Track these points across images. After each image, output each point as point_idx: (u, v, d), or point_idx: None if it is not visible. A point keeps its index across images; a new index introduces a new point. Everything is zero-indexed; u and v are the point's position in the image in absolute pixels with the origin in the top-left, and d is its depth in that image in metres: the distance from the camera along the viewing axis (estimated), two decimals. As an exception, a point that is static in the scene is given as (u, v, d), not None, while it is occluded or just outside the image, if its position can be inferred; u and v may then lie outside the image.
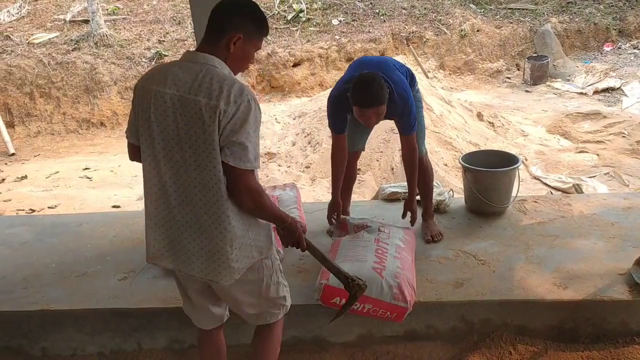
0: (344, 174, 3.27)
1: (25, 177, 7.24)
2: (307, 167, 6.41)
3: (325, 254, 2.39)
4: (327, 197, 5.61)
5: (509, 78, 10.16)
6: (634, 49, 10.36)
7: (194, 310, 2.32)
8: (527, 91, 9.49)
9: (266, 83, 9.92)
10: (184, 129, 1.89)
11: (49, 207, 6.11)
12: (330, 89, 3.27)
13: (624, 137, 6.87)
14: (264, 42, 2.12)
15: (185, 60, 1.97)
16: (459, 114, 7.22)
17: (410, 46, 10.33)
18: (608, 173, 5.97)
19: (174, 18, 10.89)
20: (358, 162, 3.70)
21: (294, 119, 7.72)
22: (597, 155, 6.50)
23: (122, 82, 9.48)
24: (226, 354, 2.44)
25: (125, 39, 10.20)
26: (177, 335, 2.90)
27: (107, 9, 11.12)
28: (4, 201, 6.40)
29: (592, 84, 9.16)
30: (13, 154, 8.19)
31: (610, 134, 7.00)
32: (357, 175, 5.75)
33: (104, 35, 9.98)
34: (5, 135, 8.33)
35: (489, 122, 7.42)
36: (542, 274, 2.94)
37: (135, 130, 2.05)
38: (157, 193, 2.03)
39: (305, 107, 7.96)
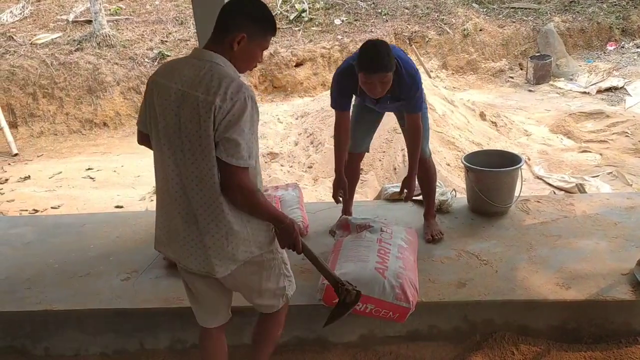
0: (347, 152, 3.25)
1: (29, 177, 7.26)
2: (310, 167, 6.40)
3: (319, 258, 2.36)
4: (330, 197, 5.61)
5: (511, 77, 10.14)
6: (638, 48, 10.33)
7: (197, 307, 2.34)
8: (530, 91, 9.47)
9: (269, 83, 9.92)
10: (184, 122, 1.94)
11: (52, 208, 6.12)
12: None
13: (627, 136, 6.85)
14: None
15: (192, 57, 2.02)
16: (461, 114, 7.21)
17: (413, 46, 10.32)
18: (611, 173, 5.95)
19: (177, 18, 10.90)
20: (362, 162, 3.70)
21: (297, 119, 7.72)
22: (600, 154, 6.48)
23: (125, 82, 9.49)
24: (227, 354, 2.45)
25: (128, 39, 10.21)
26: (179, 336, 2.90)
27: (110, 10, 11.13)
28: (7, 201, 6.42)
29: (595, 83, 9.14)
30: (16, 155, 8.20)
31: (613, 134, 6.97)
32: (360, 175, 5.76)
33: (106, 36, 9.99)
34: (8, 136, 8.34)
35: (492, 122, 7.41)
36: (545, 274, 2.93)
37: (144, 119, 2.13)
38: (161, 182, 2.10)
39: (308, 107, 7.95)
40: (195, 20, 3.41)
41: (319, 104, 7.64)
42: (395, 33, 10.40)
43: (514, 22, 10.84)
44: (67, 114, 9.23)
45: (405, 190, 3.22)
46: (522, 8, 11.18)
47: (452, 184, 5.29)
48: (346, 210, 3.57)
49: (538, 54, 10.00)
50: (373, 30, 10.33)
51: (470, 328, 2.80)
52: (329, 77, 9.77)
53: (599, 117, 7.51)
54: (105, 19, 10.27)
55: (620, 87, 8.88)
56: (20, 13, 11.14)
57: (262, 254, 2.15)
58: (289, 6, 11.13)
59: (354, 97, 3.20)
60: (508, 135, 7.17)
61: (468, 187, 3.69)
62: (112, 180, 6.96)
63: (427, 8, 11.05)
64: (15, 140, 8.48)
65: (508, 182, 3.56)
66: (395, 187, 4.04)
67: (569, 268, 2.97)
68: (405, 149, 5.65)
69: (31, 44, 10.02)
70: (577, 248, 3.16)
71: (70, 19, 10.79)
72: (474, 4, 11.27)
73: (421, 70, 9.36)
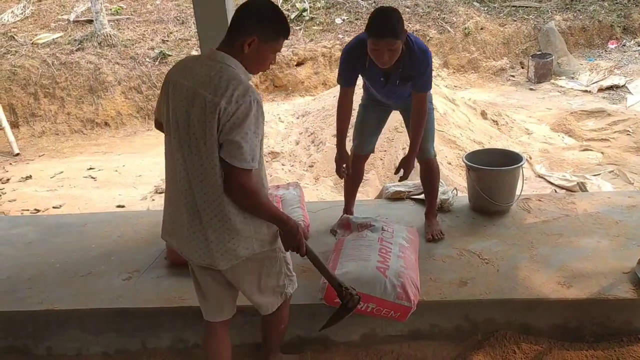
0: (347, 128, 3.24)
1: (30, 177, 7.26)
2: (311, 166, 6.40)
3: (322, 261, 2.37)
4: (331, 196, 5.63)
5: (512, 76, 10.13)
6: (639, 46, 10.31)
7: (203, 301, 2.37)
8: (531, 89, 9.46)
9: (270, 82, 9.92)
10: (193, 120, 1.98)
11: (53, 207, 6.12)
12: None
13: (628, 135, 6.84)
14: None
15: (205, 56, 2.06)
16: (462, 113, 7.20)
17: (414, 44, 10.31)
18: (612, 171, 5.94)
19: (178, 18, 10.90)
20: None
21: (298, 118, 7.72)
22: (602, 153, 6.47)
23: (126, 82, 9.49)
24: (230, 350, 2.46)
25: (129, 39, 10.21)
26: (181, 335, 2.90)
27: (111, 9, 11.14)
28: (9, 201, 6.42)
29: (596, 82, 9.12)
30: (18, 154, 8.21)
31: (614, 132, 6.96)
32: (363, 175, 5.76)
33: (107, 35, 9.99)
34: (9, 136, 8.35)
35: (493, 121, 7.40)
36: (547, 272, 2.93)
37: (160, 109, 2.18)
38: (170, 173, 2.15)
39: (309, 106, 7.95)
40: (196, 20, 3.41)
41: (320, 103, 7.64)
42: (396, 32, 10.38)
43: (515, 20, 10.83)
44: (69, 114, 9.24)
45: (402, 171, 3.17)
46: (523, 6, 11.16)
47: (454, 182, 5.28)
48: (348, 210, 3.57)
49: (539, 53, 9.99)
50: (374, 29, 10.30)
51: (472, 327, 2.80)
52: (330, 76, 9.78)
53: (600, 116, 7.50)
54: (107, 19, 10.27)
55: (622, 86, 8.86)
56: (22, 13, 11.14)
57: (264, 251, 2.18)
58: (289, 5, 11.12)
59: (363, 92, 3.15)
60: (509, 134, 7.17)
61: (469, 185, 3.68)
62: (113, 179, 6.97)
63: (428, 7, 11.04)
64: (16, 140, 8.49)
65: (509, 181, 3.55)
66: (396, 186, 4.04)
67: (570, 267, 2.96)
68: (407, 149, 5.67)
69: (32, 43, 10.03)
70: (579, 247, 3.16)
71: (72, 19, 10.79)
72: (475, 3, 11.26)
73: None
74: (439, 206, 3.57)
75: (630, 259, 2.95)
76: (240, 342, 2.80)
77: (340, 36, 10.23)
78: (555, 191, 5.43)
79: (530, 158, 6.31)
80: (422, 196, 3.78)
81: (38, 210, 6.02)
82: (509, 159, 3.61)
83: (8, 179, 7.24)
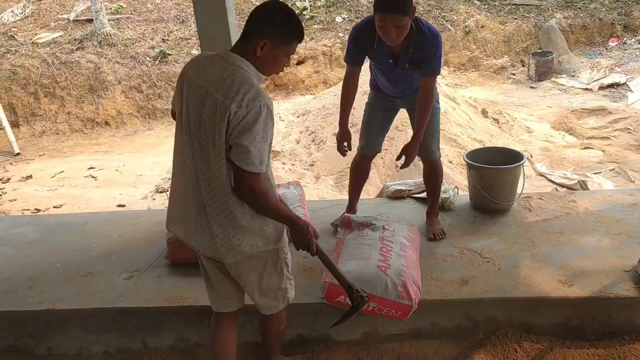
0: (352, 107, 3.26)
1: (30, 176, 7.26)
2: (311, 165, 6.40)
3: (333, 262, 2.41)
4: (332, 195, 5.62)
5: (513, 74, 10.12)
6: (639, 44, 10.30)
7: (211, 292, 2.41)
8: (531, 87, 9.45)
9: (270, 81, 9.91)
10: (204, 119, 2.01)
11: (54, 207, 6.12)
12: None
13: (629, 133, 6.83)
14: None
15: (219, 57, 2.07)
16: (463, 111, 7.19)
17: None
18: (613, 169, 5.94)
19: (178, 17, 10.89)
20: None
21: (298, 117, 7.71)
22: (603, 151, 6.46)
23: (126, 81, 9.49)
24: (236, 341, 2.50)
25: (129, 38, 10.21)
26: (182, 334, 2.90)
27: (111, 8, 11.13)
28: (10, 201, 6.42)
29: (597, 80, 9.11)
30: (18, 154, 8.21)
31: (615, 130, 6.95)
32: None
33: (107, 35, 9.99)
34: (10, 135, 8.35)
35: (494, 119, 7.39)
36: (548, 271, 2.93)
37: (176, 102, 2.21)
38: (179, 166, 2.18)
39: (309, 105, 7.94)
40: (197, 19, 3.41)
41: (320, 102, 7.63)
42: (396, 30, 10.37)
43: (515, 18, 10.81)
44: (69, 113, 9.24)
45: (404, 157, 3.15)
46: (523, 5, 11.15)
47: (454, 181, 5.28)
48: (351, 208, 3.57)
49: (540, 51, 9.98)
50: (374, 27, 10.29)
51: (473, 326, 2.80)
52: (331, 75, 9.77)
53: (601, 114, 7.49)
54: (106, 18, 10.26)
55: (623, 84, 8.85)
56: (21, 12, 11.14)
57: (268, 250, 2.20)
58: (290, 4, 11.11)
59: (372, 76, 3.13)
60: (510, 132, 7.16)
61: (470, 184, 3.68)
62: (114, 179, 6.97)
63: (429, 5, 11.03)
64: (17, 139, 8.49)
65: (510, 179, 3.55)
66: (397, 184, 4.04)
67: (571, 265, 2.96)
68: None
69: (32, 43, 10.02)
70: (580, 245, 3.16)
71: (71, 18, 10.79)
72: (475, 1, 11.24)
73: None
74: (440, 205, 3.57)
75: (631, 257, 2.94)
76: (242, 342, 2.80)
77: (341, 35, 10.21)
78: (556, 189, 5.42)
79: (531, 156, 6.30)
80: (423, 195, 3.77)
81: (38, 210, 6.02)
82: (510, 158, 3.61)
83: (8, 179, 7.24)
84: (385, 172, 5.94)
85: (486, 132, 6.91)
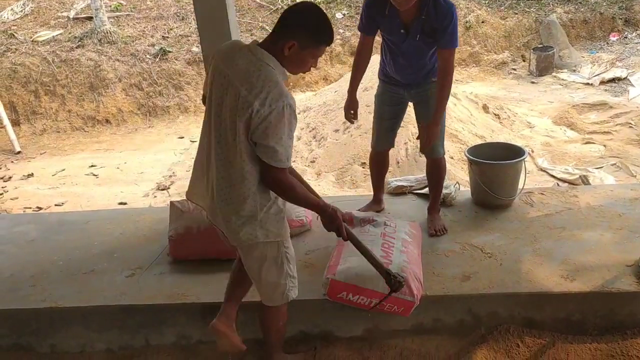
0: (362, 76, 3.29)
1: (32, 175, 7.26)
2: (312, 162, 6.39)
3: (367, 248, 2.48)
4: (333, 191, 5.62)
5: (514, 69, 10.10)
6: (640, 38, 10.28)
7: None
8: (532, 82, 9.42)
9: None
10: (226, 108, 2.08)
11: (55, 205, 6.13)
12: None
13: (630, 127, 6.81)
14: None
15: (248, 49, 2.11)
16: (464, 107, 7.18)
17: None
18: (615, 164, 5.92)
19: (178, 14, 10.88)
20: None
21: (299, 113, 7.69)
22: (604, 146, 6.45)
23: (127, 78, 9.48)
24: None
25: (129, 36, 10.20)
26: (184, 331, 2.91)
27: (111, 6, 11.11)
28: (11, 199, 6.43)
29: (598, 75, 9.09)
30: (19, 152, 8.21)
31: (617, 125, 6.94)
32: (362, 169, 5.75)
33: (107, 32, 9.97)
34: (11, 134, 8.35)
35: (495, 114, 7.38)
36: (550, 266, 2.93)
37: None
38: (202, 145, 2.27)
39: (310, 101, 7.93)
40: (197, 16, 3.40)
41: (321, 99, 7.62)
42: (396, 26, 10.34)
43: (516, 13, 10.79)
44: (69, 111, 9.23)
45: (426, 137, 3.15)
46: (524, -1, 11.13)
47: (456, 177, 5.27)
48: (376, 199, 3.65)
49: (541, 46, 9.95)
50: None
51: (475, 321, 2.80)
52: (331, 71, 9.74)
53: (603, 108, 7.47)
54: (106, 16, 10.25)
55: (624, 78, 8.82)
56: (21, 10, 11.12)
57: (268, 242, 2.24)
58: (290, 0, 11.09)
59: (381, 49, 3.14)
60: (511, 128, 7.15)
61: (472, 180, 3.68)
62: (115, 177, 6.96)
63: (429, 1, 10.99)
64: (17, 138, 8.48)
65: (511, 175, 3.54)
66: (398, 180, 4.03)
67: (573, 260, 2.96)
68: (409, 143, 5.67)
69: (32, 41, 10.01)
70: (582, 240, 3.15)
71: (71, 16, 10.77)
72: (475, -4, 11.22)
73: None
74: (442, 200, 3.57)
75: (633, 251, 2.94)
76: (243, 338, 2.80)
77: (341, 31, 10.19)
78: (558, 184, 5.41)
79: (533, 151, 6.29)
80: (424, 191, 3.77)
81: (40, 208, 6.03)
82: (511, 153, 3.60)
83: (10, 177, 7.24)
84: (386, 168, 5.93)
85: (487, 128, 6.90)
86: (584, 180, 5.43)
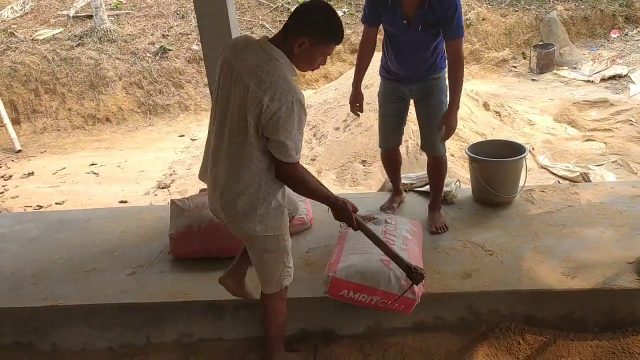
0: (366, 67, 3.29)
1: (32, 173, 7.27)
2: (313, 160, 6.40)
3: (380, 238, 2.49)
4: (334, 189, 5.61)
5: (515, 67, 10.09)
6: (641, 35, 10.26)
7: None
8: (533, 80, 9.42)
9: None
10: (233, 103, 2.10)
11: (56, 203, 6.14)
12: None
13: (631, 124, 6.81)
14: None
15: (258, 45, 2.13)
16: (465, 104, 7.16)
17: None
18: (616, 161, 5.92)
19: (178, 12, 10.87)
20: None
21: (299, 111, 7.70)
22: (605, 143, 6.45)
23: (127, 77, 9.48)
24: None
25: (129, 34, 10.20)
26: (185, 329, 2.91)
27: (110, 4, 11.11)
28: (12, 198, 6.44)
29: (599, 72, 9.08)
30: (19, 151, 8.22)
31: (617, 122, 6.93)
32: (363, 168, 5.75)
33: (107, 31, 9.98)
34: (11, 132, 8.36)
35: (496, 112, 7.38)
36: (551, 263, 2.93)
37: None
38: (211, 132, 2.28)
39: (310, 99, 7.93)
40: (197, 14, 3.40)
41: (321, 97, 7.62)
42: (397, 24, 10.33)
43: (516, 11, 10.78)
44: (70, 110, 9.24)
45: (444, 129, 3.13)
46: (524, -4, 11.12)
47: (457, 174, 5.27)
48: (396, 189, 3.67)
49: (541, 43, 9.95)
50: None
51: (476, 319, 2.80)
52: (331, 69, 9.73)
53: (603, 106, 7.47)
54: (106, 14, 10.25)
55: (624, 75, 8.82)
56: (21, 9, 11.12)
57: (267, 236, 2.27)
58: (289, -2, 11.09)
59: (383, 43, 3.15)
60: (512, 125, 7.15)
61: (472, 177, 3.68)
62: (115, 175, 6.97)
63: (429, -2, 10.98)
64: (18, 136, 8.50)
65: (512, 172, 3.54)
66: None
67: (574, 257, 2.96)
68: (409, 141, 5.66)
69: (32, 40, 10.02)
70: (583, 237, 3.15)
71: (71, 14, 10.77)
72: (476, -6, 11.21)
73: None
74: (442, 198, 3.57)
75: (634, 248, 2.94)
76: (245, 336, 2.81)
77: (341, 29, 10.18)
78: (559, 182, 5.41)
79: (533, 149, 6.29)
80: (425, 188, 3.77)
81: (41, 207, 6.03)
82: (512, 150, 3.60)
83: (10, 176, 7.25)
84: (387, 166, 5.93)
85: (488, 125, 6.90)
86: (585, 178, 5.43)
